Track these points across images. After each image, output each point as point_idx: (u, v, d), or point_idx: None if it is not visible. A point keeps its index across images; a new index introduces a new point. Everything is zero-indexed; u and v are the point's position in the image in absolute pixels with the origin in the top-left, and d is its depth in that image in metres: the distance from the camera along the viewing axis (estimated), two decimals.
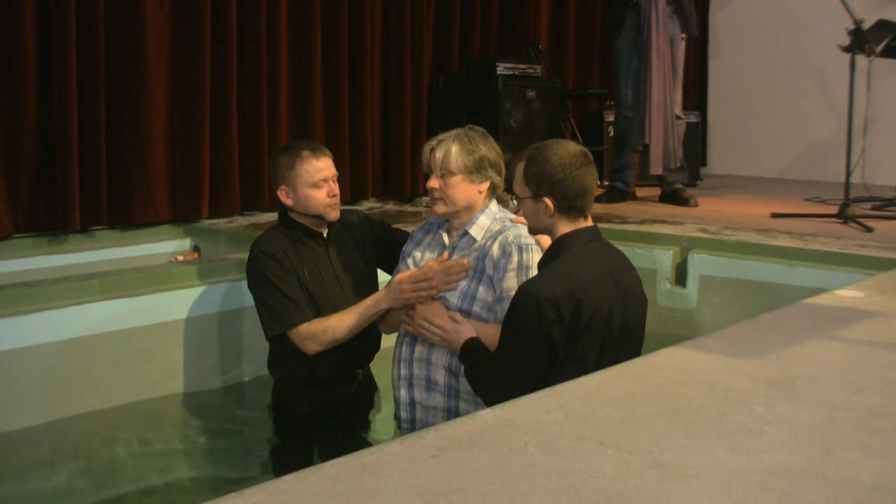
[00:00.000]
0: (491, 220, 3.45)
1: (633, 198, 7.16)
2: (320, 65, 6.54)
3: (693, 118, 8.36)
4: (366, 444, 3.82)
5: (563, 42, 8.56)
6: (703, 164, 9.33)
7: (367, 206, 6.79)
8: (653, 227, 5.71)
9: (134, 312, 4.27)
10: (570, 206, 3.04)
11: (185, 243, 5.81)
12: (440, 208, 3.45)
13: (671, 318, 5.21)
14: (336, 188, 3.79)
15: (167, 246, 5.74)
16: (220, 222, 5.91)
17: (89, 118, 5.33)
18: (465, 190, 3.41)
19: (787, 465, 1.96)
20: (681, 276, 5.27)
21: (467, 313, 3.34)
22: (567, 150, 3.07)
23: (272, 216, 4.43)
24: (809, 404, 2.36)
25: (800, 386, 2.52)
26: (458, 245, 3.47)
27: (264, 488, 1.86)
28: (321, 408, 3.87)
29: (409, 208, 6.71)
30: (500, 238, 3.38)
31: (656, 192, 7.16)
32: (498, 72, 7.12)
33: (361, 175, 6.83)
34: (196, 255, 5.67)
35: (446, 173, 3.40)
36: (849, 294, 3.75)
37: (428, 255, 3.57)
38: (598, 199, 6.77)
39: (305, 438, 3.92)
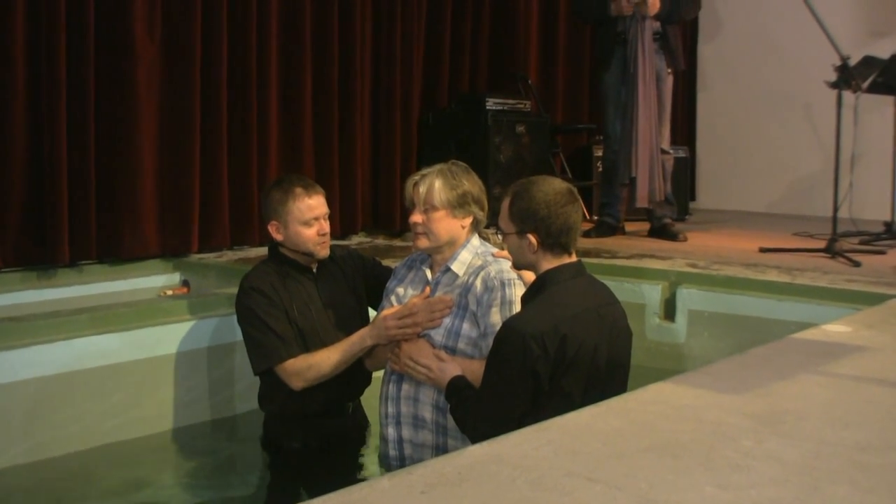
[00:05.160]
0: (472, 255, 3.47)
1: (623, 232, 7.17)
2: (310, 99, 6.56)
3: (682, 153, 8.38)
4: (356, 479, 3.81)
5: (553, 77, 8.60)
6: (692, 198, 9.35)
7: (357, 240, 6.80)
8: (642, 261, 5.72)
9: (123, 347, 4.26)
10: (555, 242, 3.05)
11: (175, 278, 5.80)
12: (423, 243, 3.47)
13: (660, 352, 5.22)
14: (327, 226, 3.81)
15: (156, 280, 5.73)
16: (210, 257, 5.91)
17: (79, 152, 5.33)
18: (449, 225, 3.43)
19: (775, 501, 1.96)
20: (669, 311, 5.27)
21: (452, 350, 3.35)
22: (552, 187, 3.08)
23: (262, 251, 4.43)
24: (797, 440, 2.37)
25: (788, 421, 2.52)
26: (441, 281, 3.48)
27: None
28: (312, 442, 3.87)
29: (398, 243, 6.71)
30: (482, 273, 3.39)
31: (645, 226, 7.18)
32: (487, 107, 7.15)
33: (351, 209, 6.84)
34: (185, 289, 5.67)
35: (429, 208, 3.42)
36: (837, 329, 3.76)
37: (411, 291, 3.58)
38: (588, 234, 6.82)
39: (296, 474, 3.91)
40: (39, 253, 5.28)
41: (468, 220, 3.48)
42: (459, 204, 3.43)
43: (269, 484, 3.98)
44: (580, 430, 2.44)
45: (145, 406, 4.31)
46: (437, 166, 3.50)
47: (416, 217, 3.45)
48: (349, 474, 3.89)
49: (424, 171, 3.50)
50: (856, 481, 2.09)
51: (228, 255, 5.97)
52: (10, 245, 5.21)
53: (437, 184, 3.42)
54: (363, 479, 3.66)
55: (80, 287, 5.41)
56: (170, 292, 5.52)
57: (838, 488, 2.04)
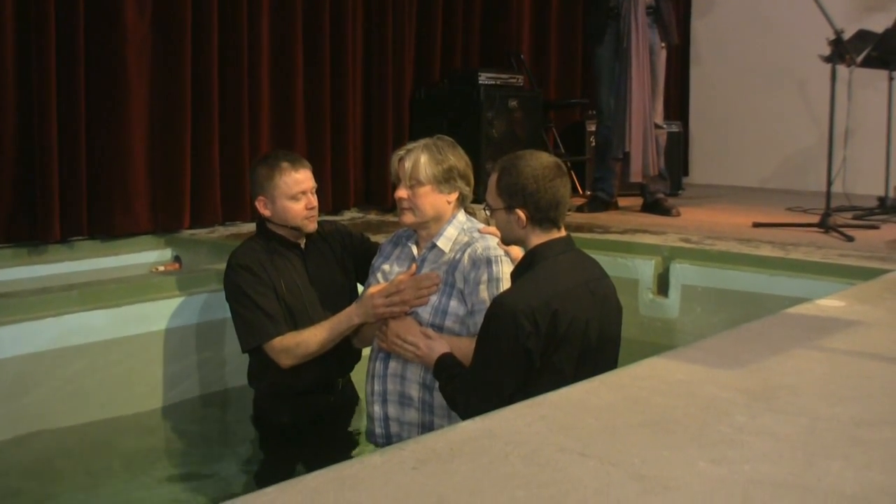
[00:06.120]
0: (459, 232, 3.44)
1: (616, 207, 7.17)
2: (302, 75, 6.52)
3: (675, 127, 8.38)
4: (347, 455, 3.80)
5: (545, 52, 8.57)
6: (685, 173, 9.35)
7: (349, 216, 6.78)
8: (635, 236, 5.71)
9: (114, 323, 4.24)
10: (543, 217, 3.04)
11: (166, 254, 5.79)
12: (408, 218, 3.44)
13: (653, 327, 5.21)
14: (314, 200, 3.78)
15: (148, 256, 5.71)
16: (202, 233, 5.89)
17: (70, 129, 5.30)
18: (434, 200, 3.40)
19: (769, 477, 1.95)
20: (663, 286, 5.26)
21: (440, 328, 3.33)
22: (540, 161, 3.06)
23: (253, 226, 4.42)
24: (791, 415, 2.36)
25: (781, 396, 2.51)
26: (428, 257, 3.46)
27: (244, 501, 1.84)
28: (302, 418, 3.85)
29: (390, 218, 6.68)
30: (468, 250, 3.37)
31: (638, 201, 7.18)
32: (480, 82, 7.12)
33: (343, 185, 6.82)
34: (177, 265, 5.65)
35: (415, 183, 3.39)
36: (830, 303, 3.75)
37: (397, 268, 3.56)
38: (581, 209, 6.82)
39: (287, 450, 3.90)
40: (30, 229, 5.26)
41: (454, 196, 3.45)
42: (445, 179, 3.40)
43: (259, 461, 3.97)
44: (573, 405, 2.43)
45: (135, 382, 4.29)
46: (423, 141, 3.47)
47: (402, 192, 3.42)
48: (340, 450, 3.88)
49: (410, 146, 3.47)
50: (850, 456, 2.08)
51: (220, 231, 5.95)
52: (1, 221, 5.18)
53: (423, 159, 3.40)
54: (354, 456, 3.66)
55: (72, 263, 5.39)
56: (162, 268, 5.50)
57: (833, 463, 2.04)
